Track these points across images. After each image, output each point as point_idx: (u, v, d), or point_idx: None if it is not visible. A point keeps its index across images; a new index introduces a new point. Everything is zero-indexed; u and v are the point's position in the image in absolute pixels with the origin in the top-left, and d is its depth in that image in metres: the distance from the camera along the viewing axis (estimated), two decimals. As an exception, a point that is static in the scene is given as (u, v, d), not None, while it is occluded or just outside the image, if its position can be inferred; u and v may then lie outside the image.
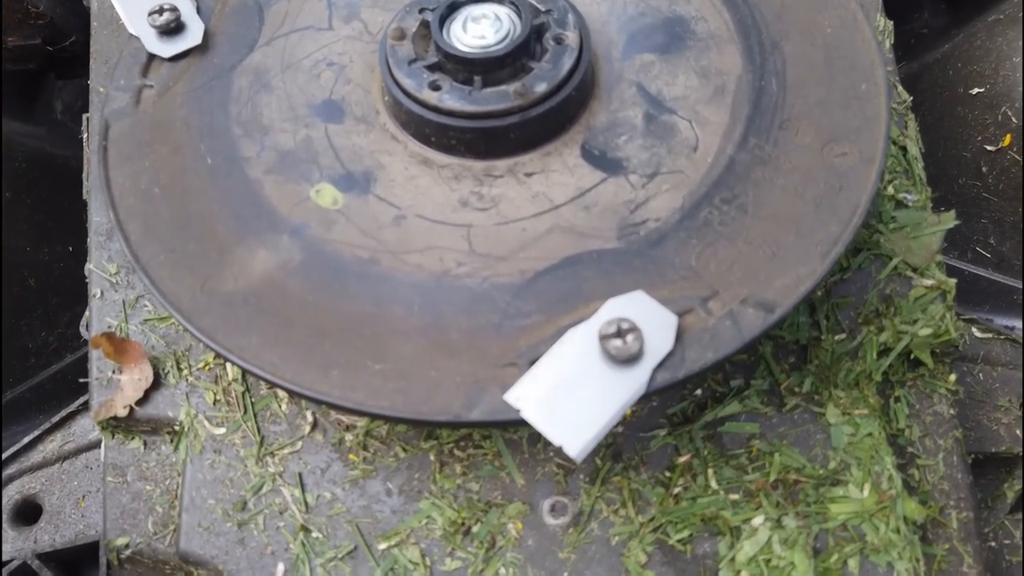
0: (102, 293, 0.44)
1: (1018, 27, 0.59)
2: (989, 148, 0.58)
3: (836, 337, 0.39)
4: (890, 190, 0.43)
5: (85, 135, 0.49)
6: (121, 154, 0.39)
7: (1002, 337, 0.47)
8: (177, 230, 0.37)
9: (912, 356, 0.40)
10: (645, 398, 0.31)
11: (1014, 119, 0.56)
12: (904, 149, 0.44)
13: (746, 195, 0.35)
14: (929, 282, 0.40)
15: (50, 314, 0.63)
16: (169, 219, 0.37)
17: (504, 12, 0.38)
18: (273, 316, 0.34)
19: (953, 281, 0.41)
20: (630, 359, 0.31)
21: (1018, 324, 0.60)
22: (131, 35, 0.42)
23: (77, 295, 0.52)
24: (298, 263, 0.35)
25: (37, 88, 0.77)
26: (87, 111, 0.49)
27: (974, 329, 0.47)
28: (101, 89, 0.49)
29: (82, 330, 0.46)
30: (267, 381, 0.33)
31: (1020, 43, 0.58)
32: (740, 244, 0.34)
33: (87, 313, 0.45)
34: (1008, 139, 0.57)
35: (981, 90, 0.59)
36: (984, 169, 0.59)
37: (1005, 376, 0.46)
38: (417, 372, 0.32)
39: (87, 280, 0.45)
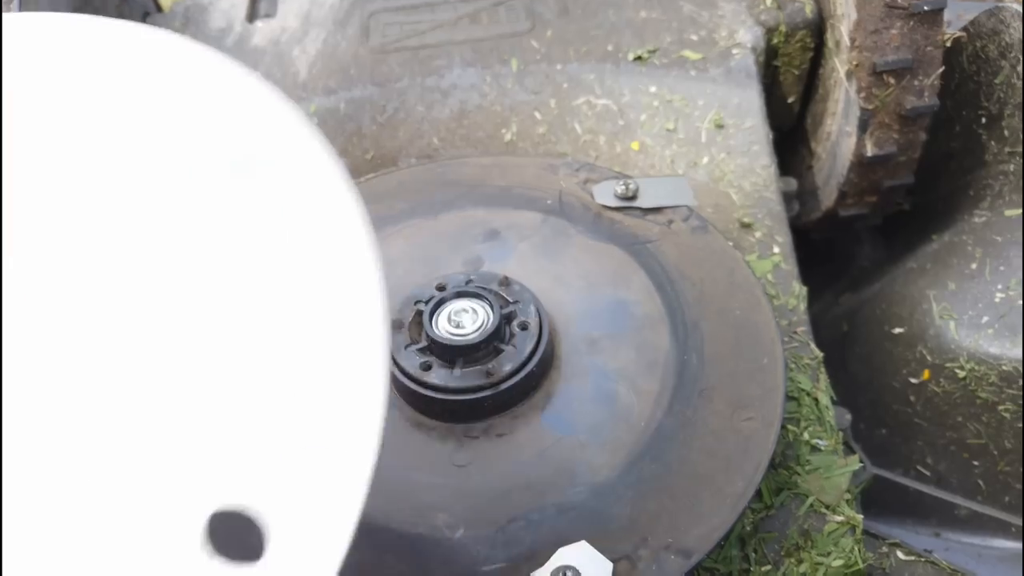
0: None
1: (925, 278, 0.70)
2: (912, 380, 0.67)
3: (763, 568, 0.47)
4: (805, 436, 0.51)
5: None
6: None
7: (923, 559, 0.53)
8: None
9: (830, 586, 0.47)
10: None
11: (929, 357, 0.66)
12: (816, 400, 0.54)
13: (671, 455, 0.44)
14: (839, 518, 0.48)
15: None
16: None
17: (480, 306, 0.50)
18: None
19: (860, 517, 0.48)
20: (574, 601, 0.38)
21: (976, 540, 0.66)
22: None
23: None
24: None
25: None
26: None
27: (899, 552, 0.54)
28: None
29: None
30: None
31: (929, 292, 0.68)
32: (665, 498, 0.43)
33: None
34: (927, 374, 0.66)
35: (902, 330, 0.69)
36: (912, 398, 0.68)
37: (929, 598, 0.51)
38: None
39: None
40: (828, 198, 0.78)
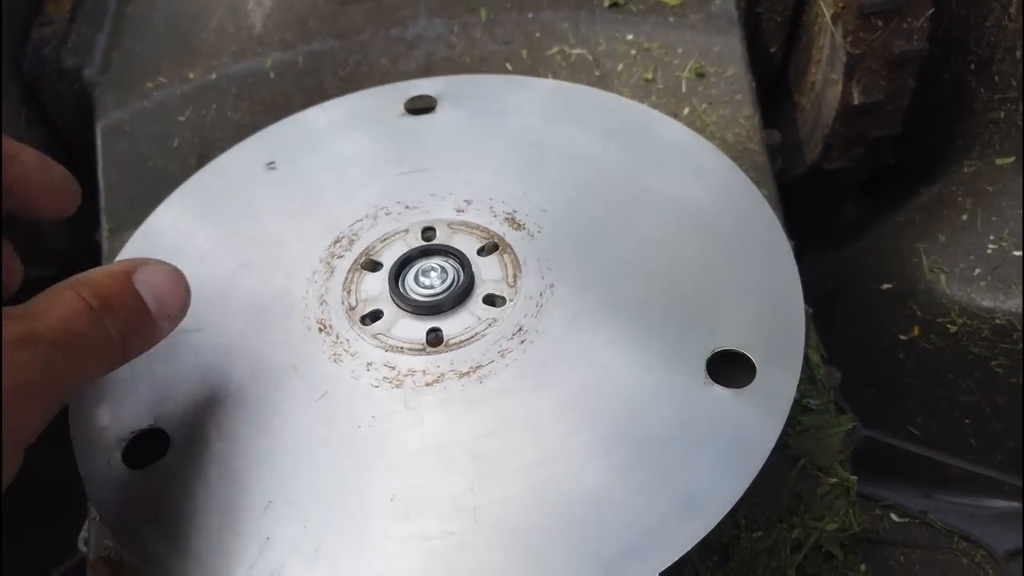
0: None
1: (914, 230, 0.67)
2: (902, 337, 0.65)
3: (754, 535, 0.44)
4: (796, 395, 0.49)
5: None
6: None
7: (917, 521, 0.51)
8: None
9: (824, 549, 0.44)
10: None
11: (919, 313, 0.64)
12: (807, 357, 0.51)
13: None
14: (833, 480, 0.46)
15: (52, 525, 0.68)
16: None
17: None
18: None
19: (854, 478, 0.46)
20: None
21: (968, 500, 0.64)
22: None
23: (75, 507, 0.56)
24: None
25: None
26: None
27: (892, 515, 0.52)
28: None
29: (80, 544, 0.51)
30: None
31: (918, 245, 0.66)
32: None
33: (84, 531, 0.50)
34: (917, 330, 0.64)
35: (890, 285, 0.67)
36: (901, 356, 0.65)
37: (923, 558, 0.49)
38: None
39: (88, 502, 0.50)
40: (813, 151, 0.75)
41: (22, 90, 0.75)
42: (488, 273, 0.45)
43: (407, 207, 0.50)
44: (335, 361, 0.43)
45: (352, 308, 0.46)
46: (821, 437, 0.47)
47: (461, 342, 0.43)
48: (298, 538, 0.36)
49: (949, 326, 0.61)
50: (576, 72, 0.69)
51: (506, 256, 0.46)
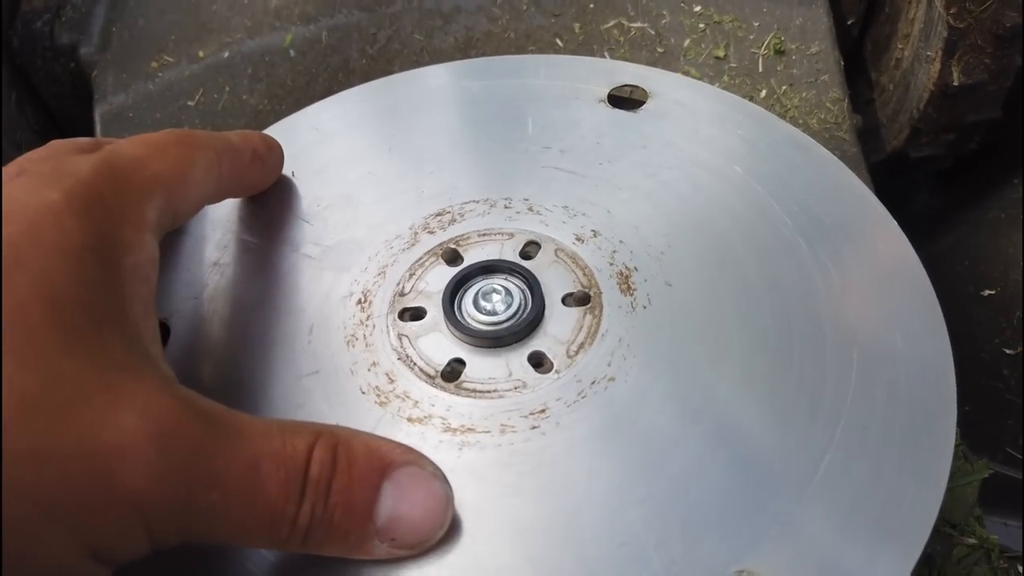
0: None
1: (1016, 228, 0.60)
2: (1008, 352, 0.58)
3: (879, 608, 0.37)
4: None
5: None
6: None
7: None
8: None
9: (964, 625, 0.38)
10: None
11: (1029, 324, 0.56)
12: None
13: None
14: (971, 540, 0.39)
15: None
16: None
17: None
18: None
19: (995, 538, 0.39)
20: None
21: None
22: None
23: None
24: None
25: None
26: None
27: (1020, 567, 0.45)
28: None
29: None
30: None
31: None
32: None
33: None
34: (1025, 344, 0.57)
35: (992, 292, 0.59)
36: (1005, 372, 0.58)
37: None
38: None
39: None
40: (896, 136, 0.67)
41: (12, 70, 0.67)
42: (557, 327, 0.37)
43: (531, 208, 0.42)
44: (348, 343, 0.38)
45: (403, 295, 0.39)
46: (952, 488, 0.40)
47: (474, 391, 0.36)
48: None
49: (1064, 341, 0.54)
50: (636, 49, 0.61)
51: (589, 318, 0.38)
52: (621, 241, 0.40)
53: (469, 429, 0.35)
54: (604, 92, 0.47)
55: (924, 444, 0.32)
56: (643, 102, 0.47)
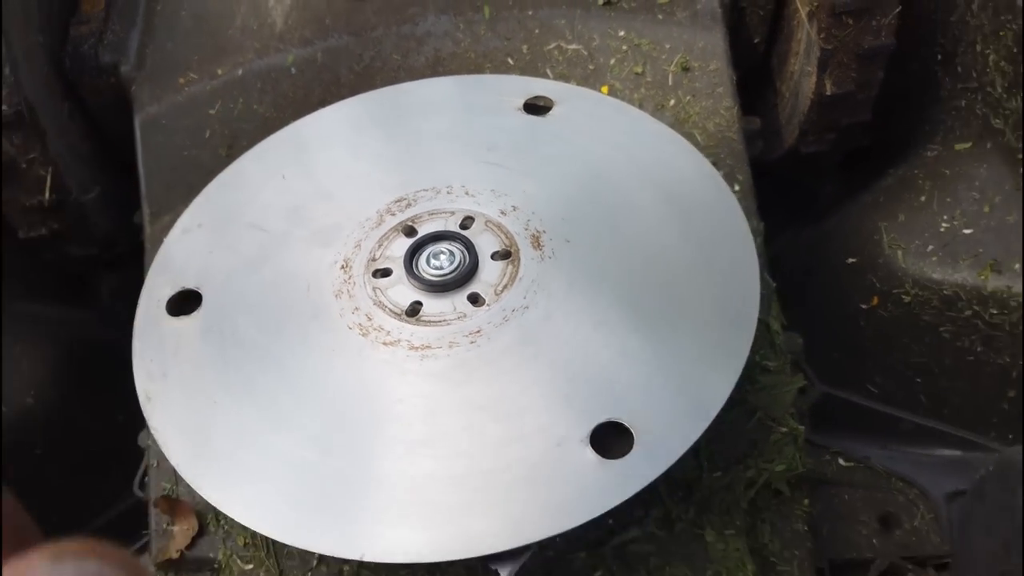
0: (158, 463, 0.57)
1: (878, 210, 0.74)
2: (863, 306, 0.72)
3: (714, 475, 0.52)
4: (756, 358, 0.56)
5: None
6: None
7: (861, 465, 0.59)
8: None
9: (773, 487, 0.52)
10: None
11: (878, 284, 0.71)
12: (767, 325, 0.58)
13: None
14: (784, 429, 0.53)
15: (105, 472, 0.77)
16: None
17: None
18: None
19: (802, 427, 0.53)
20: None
21: (918, 450, 0.72)
22: None
23: (124, 455, 0.64)
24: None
25: (84, 276, 0.92)
26: (132, 296, 0.58)
27: (840, 459, 0.59)
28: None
29: (136, 489, 0.59)
30: None
31: (880, 224, 0.73)
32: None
33: (139, 475, 0.58)
34: (876, 300, 0.71)
35: (855, 260, 0.74)
36: (862, 323, 0.73)
37: (865, 497, 0.57)
38: None
39: (144, 449, 0.59)
40: (790, 136, 0.82)
41: (64, 86, 0.82)
42: (488, 275, 0.52)
43: (467, 192, 0.57)
44: (336, 296, 0.52)
45: (374, 260, 0.54)
46: (775, 393, 0.55)
47: (429, 322, 0.50)
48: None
49: (904, 296, 0.69)
50: (572, 67, 0.75)
51: (511, 267, 0.52)
52: (533, 212, 0.55)
53: (427, 347, 0.50)
54: (521, 102, 0.62)
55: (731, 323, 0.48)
56: (550, 108, 0.62)
